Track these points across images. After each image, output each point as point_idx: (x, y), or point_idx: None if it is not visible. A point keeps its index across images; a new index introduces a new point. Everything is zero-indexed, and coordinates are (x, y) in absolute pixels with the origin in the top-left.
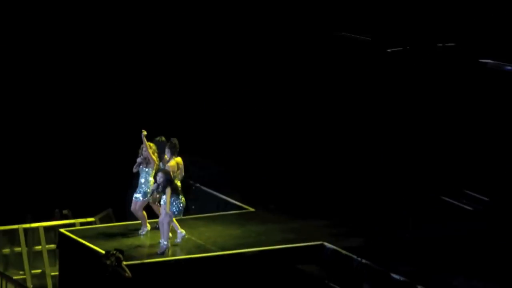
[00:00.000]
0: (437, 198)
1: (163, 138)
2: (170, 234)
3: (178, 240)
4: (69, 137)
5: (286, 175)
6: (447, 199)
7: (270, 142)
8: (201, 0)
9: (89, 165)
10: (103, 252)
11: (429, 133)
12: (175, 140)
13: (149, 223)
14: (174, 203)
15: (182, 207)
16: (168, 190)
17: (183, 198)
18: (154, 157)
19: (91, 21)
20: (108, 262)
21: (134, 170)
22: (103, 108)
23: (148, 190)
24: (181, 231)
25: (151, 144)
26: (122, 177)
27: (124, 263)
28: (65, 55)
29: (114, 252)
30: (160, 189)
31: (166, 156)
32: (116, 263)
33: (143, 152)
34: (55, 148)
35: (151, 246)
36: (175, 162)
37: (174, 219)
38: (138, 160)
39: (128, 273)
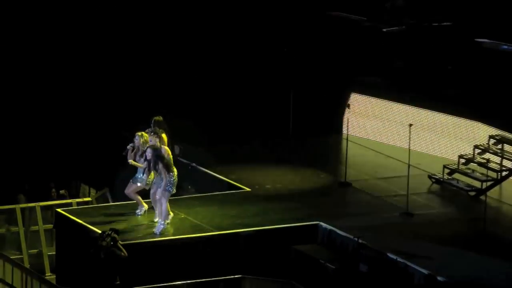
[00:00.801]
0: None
1: (161, 118)
2: (171, 213)
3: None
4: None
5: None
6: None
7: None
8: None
9: (85, 145)
10: (100, 232)
11: None
12: (159, 118)
13: (146, 202)
14: (168, 181)
15: (174, 182)
16: (160, 167)
17: (175, 173)
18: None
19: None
20: (104, 243)
21: (128, 158)
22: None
23: (148, 179)
24: (170, 213)
25: (145, 135)
26: (119, 157)
27: (120, 242)
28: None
29: (109, 232)
30: (151, 167)
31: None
32: (112, 243)
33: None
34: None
35: (148, 225)
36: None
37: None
38: (128, 146)
39: (124, 253)
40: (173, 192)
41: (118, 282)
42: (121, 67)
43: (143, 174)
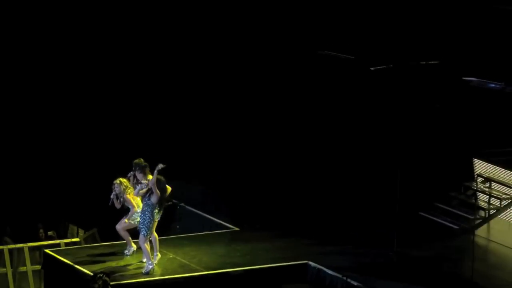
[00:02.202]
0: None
1: (142, 160)
2: (159, 254)
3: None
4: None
5: (271, 194)
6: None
7: (254, 161)
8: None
9: (75, 184)
10: (89, 273)
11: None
12: (141, 160)
13: (134, 242)
14: (144, 221)
15: (151, 224)
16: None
17: (157, 215)
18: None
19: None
20: (96, 286)
21: (116, 205)
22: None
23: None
24: (156, 254)
25: (124, 180)
26: (107, 197)
27: (112, 283)
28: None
29: (101, 275)
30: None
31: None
32: (103, 286)
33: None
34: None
35: (137, 265)
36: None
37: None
38: (112, 195)
39: None
40: (147, 233)
41: None
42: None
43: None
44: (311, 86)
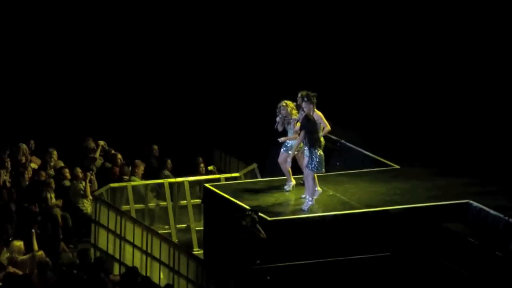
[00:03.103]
0: None
1: (305, 92)
2: (319, 189)
3: (315, 196)
4: (216, 94)
5: (432, 131)
6: None
7: (415, 100)
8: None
9: (234, 120)
10: (248, 207)
11: None
12: (305, 92)
13: (295, 178)
14: (312, 158)
15: (318, 161)
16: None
17: (320, 152)
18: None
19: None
20: (243, 222)
21: (279, 128)
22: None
23: (294, 144)
24: (318, 189)
25: (289, 102)
26: (267, 133)
27: (270, 219)
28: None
29: (250, 212)
30: (304, 140)
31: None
32: (251, 224)
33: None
34: (200, 104)
35: (296, 202)
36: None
37: (315, 175)
38: (277, 119)
39: (263, 234)
40: (318, 171)
41: (258, 262)
42: None
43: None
44: None
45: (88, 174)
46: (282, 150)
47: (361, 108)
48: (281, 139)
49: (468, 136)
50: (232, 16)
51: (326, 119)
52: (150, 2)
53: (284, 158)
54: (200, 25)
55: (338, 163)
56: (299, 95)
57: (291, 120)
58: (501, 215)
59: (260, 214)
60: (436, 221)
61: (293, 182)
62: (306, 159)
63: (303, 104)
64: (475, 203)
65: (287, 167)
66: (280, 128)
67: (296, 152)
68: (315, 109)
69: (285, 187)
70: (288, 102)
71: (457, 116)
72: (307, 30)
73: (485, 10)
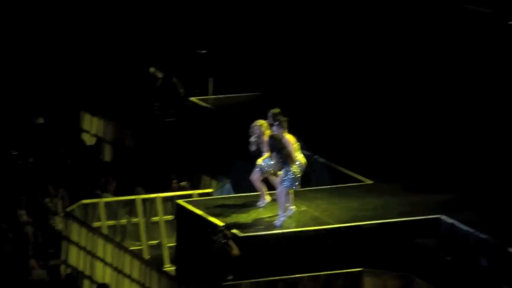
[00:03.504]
0: None
1: (278, 110)
2: (293, 207)
3: (288, 214)
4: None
5: (405, 147)
6: None
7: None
8: None
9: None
10: (221, 224)
11: None
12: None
13: (269, 194)
14: (286, 175)
15: (293, 177)
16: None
17: (294, 168)
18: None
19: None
20: (215, 238)
21: (253, 148)
22: None
23: (270, 163)
24: (292, 207)
25: (263, 122)
26: (241, 149)
27: (242, 235)
28: None
29: (222, 228)
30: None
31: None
32: (224, 240)
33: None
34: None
35: (269, 218)
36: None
37: (291, 191)
38: (251, 139)
39: (235, 251)
40: (292, 187)
41: (230, 278)
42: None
43: (269, 161)
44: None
45: (60, 190)
46: (256, 168)
47: (334, 123)
48: (258, 162)
49: (439, 151)
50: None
51: (299, 135)
52: None
53: (257, 176)
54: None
55: (311, 179)
56: (270, 113)
57: (265, 140)
58: (472, 230)
59: (232, 230)
60: (408, 236)
61: (268, 199)
62: (280, 176)
63: (274, 128)
64: (446, 218)
65: (260, 184)
66: (253, 148)
67: (267, 170)
68: (286, 133)
69: (259, 203)
70: (262, 122)
71: (428, 132)
72: (277, 47)
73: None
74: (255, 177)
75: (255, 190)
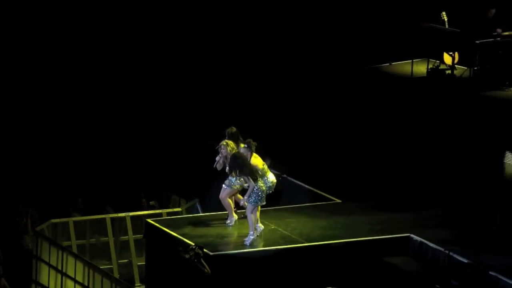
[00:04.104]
0: None
1: (234, 129)
2: (261, 225)
3: (257, 231)
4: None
5: (373, 166)
6: None
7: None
8: None
9: (175, 155)
10: (191, 243)
11: None
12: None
13: (237, 213)
14: (252, 191)
15: (259, 193)
16: (241, 174)
17: (260, 184)
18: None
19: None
20: (186, 256)
21: (219, 167)
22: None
23: (237, 180)
24: (260, 225)
25: (230, 142)
26: (209, 167)
27: (212, 253)
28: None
29: (194, 247)
30: (236, 175)
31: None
32: (195, 259)
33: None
34: (141, 139)
35: (238, 237)
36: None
37: (258, 208)
38: (217, 158)
39: (207, 270)
40: (257, 203)
41: None
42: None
43: (236, 179)
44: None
45: (29, 210)
46: (223, 185)
47: (303, 143)
48: (226, 183)
49: (408, 170)
50: None
51: (268, 153)
52: None
53: (226, 194)
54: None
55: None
56: (228, 131)
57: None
58: (442, 249)
59: (203, 249)
60: (377, 255)
61: (235, 217)
62: (247, 193)
63: (242, 150)
64: (415, 237)
65: (228, 202)
66: (219, 167)
67: (235, 188)
68: (254, 155)
69: (227, 221)
70: (229, 142)
71: (396, 152)
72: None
73: None
74: (223, 195)
75: (223, 209)
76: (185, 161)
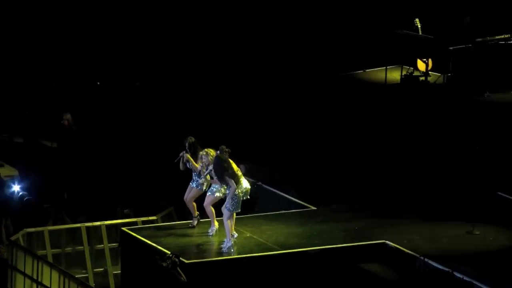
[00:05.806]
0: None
1: (193, 139)
2: (234, 233)
3: (211, 233)
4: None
5: (349, 172)
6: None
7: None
8: None
9: (149, 164)
10: (166, 251)
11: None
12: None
13: (218, 220)
14: (231, 197)
15: (236, 200)
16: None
17: (238, 191)
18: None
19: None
20: (164, 264)
21: (182, 168)
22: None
23: (220, 188)
24: (233, 233)
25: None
26: (183, 175)
27: (188, 261)
28: None
29: (171, 255)
30: (221, 179)
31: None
32: (172, 267)
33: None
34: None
35: (213, 244)
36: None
37: (234, 215)
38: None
39: (183, 278)
40: (234, 210)
41: None
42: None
43: (219, 186)
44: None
45: (3, 219)
46: (208, 193)
47: (278, 150)
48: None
49: (383, 176)
50: None
51: (243, 160)
52: None
53: (209, 201)
54: None
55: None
56: (188, 140)
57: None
58: (417, 255)
59: (180, 257)
60: (353, 262)
61: (216, 225)
62: (227, 199)
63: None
64: (391, 243)
65: (211, 210)
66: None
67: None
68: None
69: (209, 231)
70: (209, 150)
71: (371, 157)
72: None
73: None
74: (207, 202)
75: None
76: (159, 170)
